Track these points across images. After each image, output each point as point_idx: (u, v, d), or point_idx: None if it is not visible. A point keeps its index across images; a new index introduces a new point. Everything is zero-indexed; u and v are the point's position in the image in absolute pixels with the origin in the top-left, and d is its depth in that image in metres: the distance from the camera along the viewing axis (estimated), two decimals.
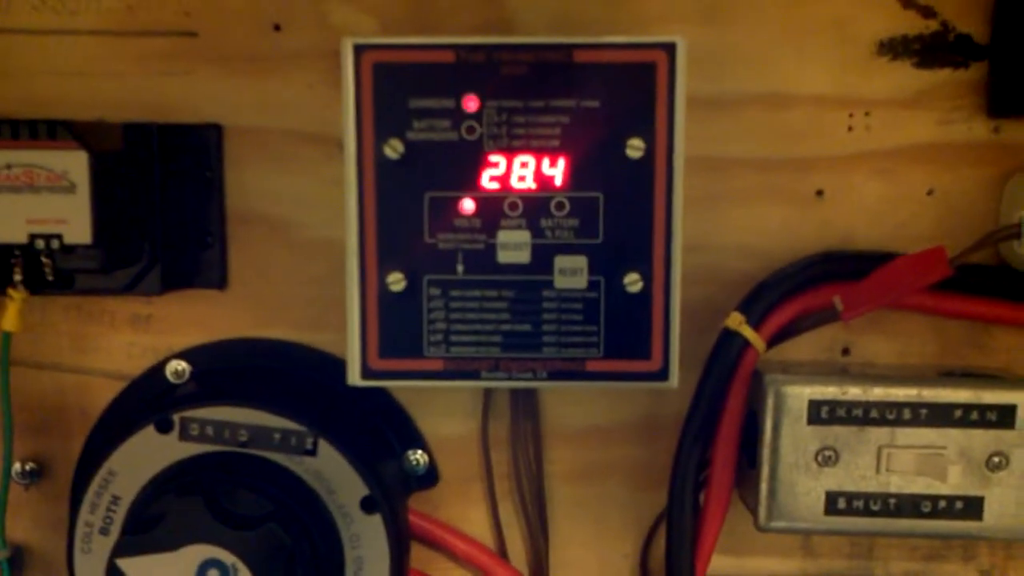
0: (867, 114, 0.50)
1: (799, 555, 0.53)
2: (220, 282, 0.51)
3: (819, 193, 0.51)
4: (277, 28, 0.50)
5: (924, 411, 0.46)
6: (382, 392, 0.52)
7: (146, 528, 0.44)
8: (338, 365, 0.50)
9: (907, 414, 0.46)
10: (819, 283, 0.48)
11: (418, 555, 0.52)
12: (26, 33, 0.50)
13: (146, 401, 0.52)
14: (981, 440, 0.46)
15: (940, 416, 0.46)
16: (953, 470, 0.45)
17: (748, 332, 0.47)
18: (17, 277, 0.47)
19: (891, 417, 0.46)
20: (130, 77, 0.50)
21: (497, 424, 0.52)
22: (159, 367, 0.52)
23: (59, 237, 0.43)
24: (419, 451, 0.52)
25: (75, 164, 0.42)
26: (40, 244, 0.43)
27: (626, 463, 0.52)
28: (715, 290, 0.51)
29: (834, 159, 0.50)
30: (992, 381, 0.47)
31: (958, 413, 0.46)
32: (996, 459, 0.46)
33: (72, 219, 0.43)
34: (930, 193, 0.50)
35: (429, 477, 0.52)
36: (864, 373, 0.49)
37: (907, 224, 0.51)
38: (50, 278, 0.47)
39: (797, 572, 0.53)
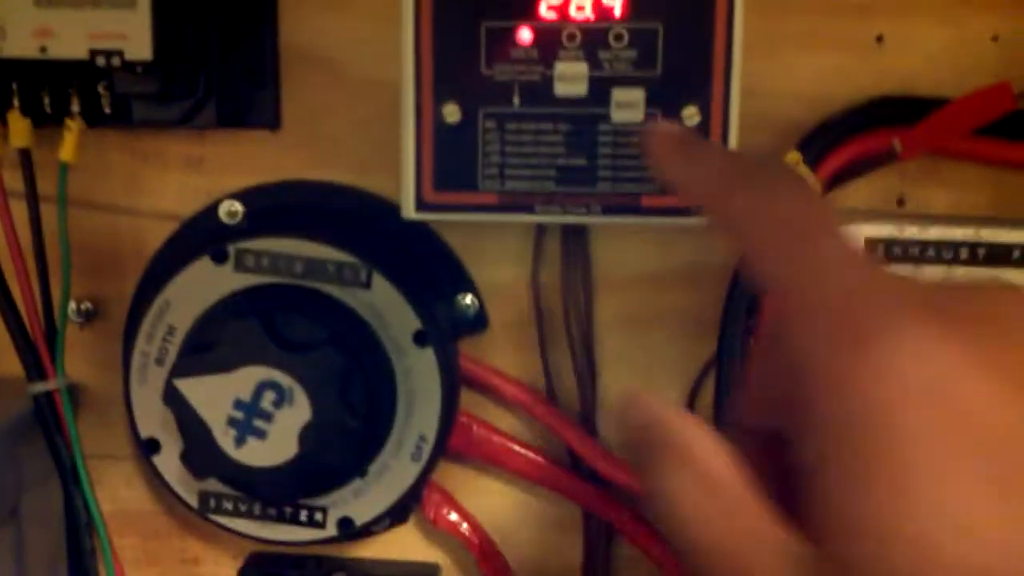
0: None
1: None
2: (273, 122, 0.51)
3: (879, 39, 0.50)
4: None
5: (982, 251, 0.45)
6: (433, 235, 0.52)
7: (204, 350, 0.45)
8: (391, 208, 0.50)
9: (964, 254, 0.45)
10: (879, 127, 0.48)
11: (466, 399, 0.53)
12: None
13: (200, 241, 0.52)
14: None
15: (998, 256, 0.45)
16: None
17: (805, 172, 0.47)
18: (75, 107, 0.47)
19: (948, 256, 0.45)
20: None
21: (548, 271, 0.52)
22: (212, 208, 0.52)
23: (120, 53, 0.43)
24: (469, 295, 0.52)
25: None
26: (100, 61, 0.43)
27: (675, 311, 0.52)
28: (771, 136, 0.50)
29: (895, 4, 0.49)
30: None
31: (1017, 254, 0.45)
32: None
33: (132, 34, 0.42)
34: (995, 39, 0.49)
35: (479, 322, 0.53)
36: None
37: (970, 71, 0.49)
38: (107, 110, 0.47)
39: None
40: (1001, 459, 0.19)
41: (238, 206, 0.52)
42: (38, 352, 0.49)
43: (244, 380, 0.44)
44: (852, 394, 0.20)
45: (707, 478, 0.22)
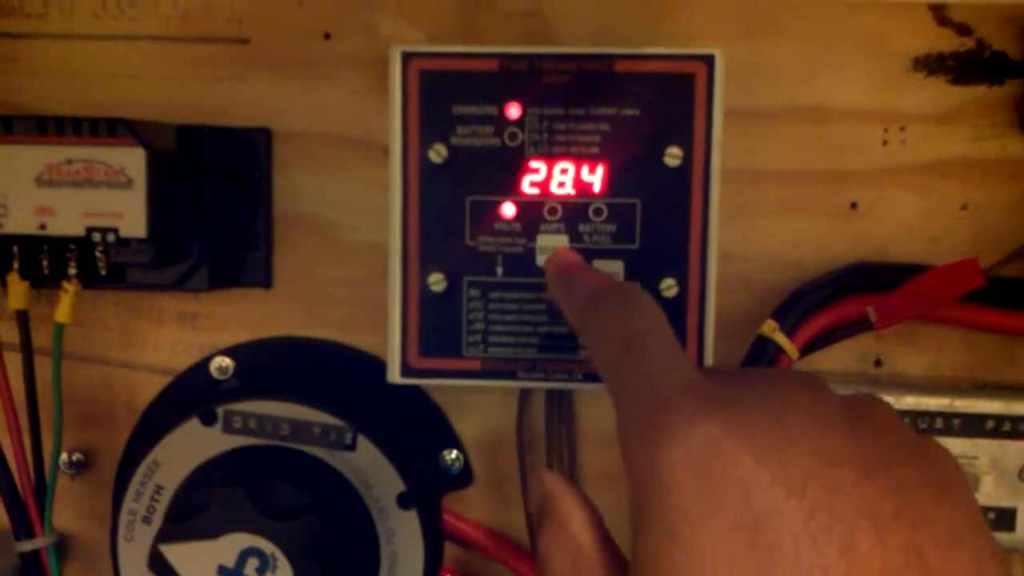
0: (902, 129, 0.51)
1: None
2: (265, 281, 0.52)
3: (853, 206, 0.51)
4: (327, 37, 0.52)
5: (956, 421, 0.46)
6: (419, 392, 0.53)
7: (189, 516, 0.45)
8: (378, 365, 0.51)
9: (939, 423, 0.46)
10: (853, 293, 0.49)
11: (451, 554, 0.53)
12: (87, 39, 0.52)
13: (190, 396, 0.53)
14: (1014, 451, 0.46)
15: (973, 426, 0.46)
16: (985, 480, 0.46)
17: (781, 339, 0.48)
18: (72, 270, 0.48)
19: (923, 426, 0.46)
20: (184, 81, 0.52)
21: (532, 427, 0.53)
22: (204, 363, 0.53)
23: (115, 231, 0.44)
24: (455, 451, 0.53)
25: (133, 160, 0.44)
26: (96, 237, 0.44)
27: None
28: (748, 299, 0.51)
29: (869, 173, 0.51)
30: None
31: (991, 424, 0.46)
32: None
33: (128, 214, 0.44)
34: (964, 208, 0.51)
35: (464, 477, 0.53)
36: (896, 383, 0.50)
37: (941, 238, 0.51)
38: (103, 272, 0.48)
39: None
40: (750, 514, 0.24)
41: (228, 362, 0.53)
42: (27, 509, 0.50)
43: (228, 547, 0.45)
44: (646, 478, 0.27)
45: (570, 545, 0.30)
